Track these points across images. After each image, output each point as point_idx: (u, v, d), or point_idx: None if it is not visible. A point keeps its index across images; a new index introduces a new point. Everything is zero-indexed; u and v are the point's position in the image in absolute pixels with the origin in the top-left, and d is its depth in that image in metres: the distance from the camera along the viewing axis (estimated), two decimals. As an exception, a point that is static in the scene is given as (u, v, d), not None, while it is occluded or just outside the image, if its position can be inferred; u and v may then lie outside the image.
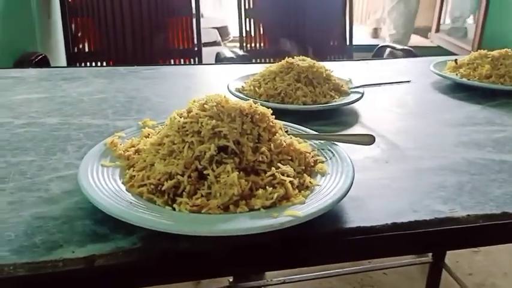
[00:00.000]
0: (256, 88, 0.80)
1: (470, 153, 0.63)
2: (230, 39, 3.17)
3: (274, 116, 0.55)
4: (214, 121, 0.48)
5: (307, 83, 0.80)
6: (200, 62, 1.82)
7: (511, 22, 3.13)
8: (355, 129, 0.72)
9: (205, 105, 0.50)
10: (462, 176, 0.56)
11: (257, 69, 0.88)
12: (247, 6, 1.87)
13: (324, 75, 0.82)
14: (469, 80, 0.91)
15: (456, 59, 0.98)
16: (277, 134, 0.52)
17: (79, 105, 0.78)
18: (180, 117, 0.50)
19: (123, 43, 1.75)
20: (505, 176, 0.56)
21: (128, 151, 0.53)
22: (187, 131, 0.48)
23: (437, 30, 3.42)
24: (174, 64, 1.76)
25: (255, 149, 0.49)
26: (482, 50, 0.96)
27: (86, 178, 0.46)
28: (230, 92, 0.80)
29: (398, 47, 1.74)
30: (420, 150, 0.64)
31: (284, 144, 0.51)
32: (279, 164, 0.48)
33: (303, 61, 0.82)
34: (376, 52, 1.95)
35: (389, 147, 0.65)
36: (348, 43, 2.02)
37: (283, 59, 0.83)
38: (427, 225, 0.46)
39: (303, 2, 1.92)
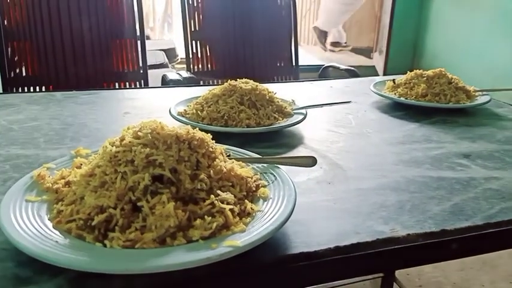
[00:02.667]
0: (199, 112, 0.78)
1: (409, 172, 0.64)
2: (178, 61, 3.14)
3: (214, 141, 0.54)
4: (148, 149, 0.46)
5: (250, 105, 0.80)
6: (146, 85, 1.78)
7: (442, 42, 3.34)
8: (299, 151, 0.72)
9: (139, 133, 0.48)
10: (402, 194, 0.57)
11: (201, 91, 0.87)
12: (193, 29, 1.87)
13: (267, 97, 0.82)
14: (406, 99, 0.94)
15: (394, 79, 1.01)
16: (217, 160, 0.50)
17: (8, 134, 0.73)
18: (113, 146, 0.47)
19: (64, 67, 1.68)
20: (443, 193, 0.58)
21: (57, 183, 0.50)
22: (119, 160, 0.46)
23: (375, 50, 3.59)
24: (119, 88, 1.71)
25: (193, 176, 0.47)
26: (418, 70, 1.00)
27: (7, 216, 0.42)
28: (172, 116, 0.78)
29: (342, 67, 1.80)
30: (362, 170, 0.64)
31: (224, 169, 0.50)
32: (218, 191, 0.46)
33: (245, 83, 0.82)
34: (321, 72, 1.99)
35: (332, 168, 0.65)
36: (294, 64, 2.06)
37: (228, 81, 0.82)
38: (369, 247, 0.46)
39: (249, 24, 1.94)
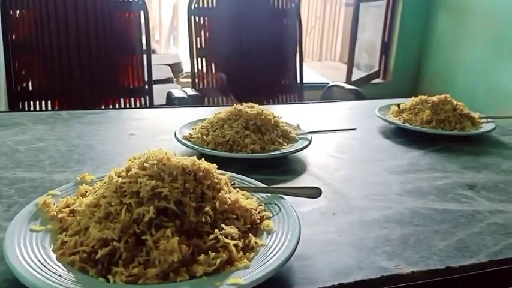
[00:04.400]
0: (204, 136, 0.78)
1: (414, 203, 0.64)
2: (184, 75, 3.16)
3: (218, 166, 0.54)
4: (154, 181, 0.46)
5: (255, 130, 0.80)
6: (151, 101, 1.79)
7: (445, 61, 3.36)
8: (303, 178, 0.72)
9: (145, 164, 0.48)
10: (406, 228, 0.57)
11: (206, 112, 0.87)
12: (199, 46, 1.88)
13: (272, 122, 0.82)
14: (411, 124, 0.94)
15: (399, 104, 1.01)
16: (222, 191, 0.51)
17: (14, 156, 0.73)
18: (118, 177, 0.47)
19: (70, 82, 1.69)
20: (448, 227, 0.57)
21: (61, 212, 0.50)
22: (125, 191, 0.46)
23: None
24: (124, 104, 1.72)
25: (198, 208, 0.47)
26: (423, 96, 1.00)
27: (11, 247, 0.42)
28: (177, 140, 0.78)
29: (347, 86, 1.80)
30: (366, 200, 0.64)
31: (229, 201, 0.50)
32: (223, 225, 0.46)
33: (251, 108, 0.82)
34: (325, 91, 2.00)
35: (336, 197, 0.65)
36: (299, 82, 2.07)
37: (234, 103, 0.83)
38: (373, 285, 0.45)
39: (255, 42, 1.96)
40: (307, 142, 0.80)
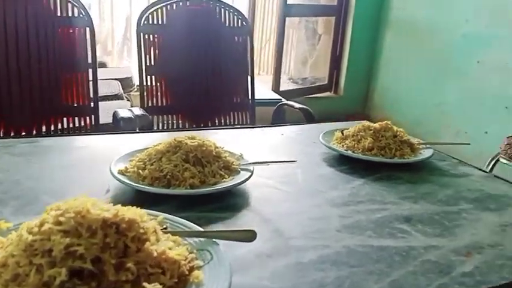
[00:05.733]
0: (140, 170, 0.75)
1: (351, 240, 0.64)
2: (135, 90, 3.08)
3: (152, 213, 0.51)
4: (68, 239, 0.42)
5: (196, 162, 0.77)
6: (96, 120, 1.72)
7: (394, 76, 3.47)
8: (243, 214, 0.70)
9: (60, 218, 0.44)
10: (342, 269, 0.56)
11: (152, 140, 0.83)
12: (148, 63, 1.84)
13: (214, 153, 0.80)
14: (354, 152, 0.95)
15: (342, 130, 1.02)
16: (147, 242, 0.48)
17: None
18: (29, 233, 0.43)
19: (9, 100, 1.60)
20: (382, 266, 0.57)
21: (-34, 271, 0.45)
22: (36, 250, 0.42)
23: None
24: (67, 124, 1.64)
25: (118, 265, 0.44)
26: (365, 122, 1.02)
27: None
28: (112, 175, 0.74)
29: (296, 105, 1.82)
30: (304, 239, 0.63)
31: (155, 254, 0.47)
32: (145, 284, 0.43)
33: (192, 139, 0.80)
34: (276, 109, 2.01)
35: (274, 236, 0.64)
36: (250, 100, 2.06)
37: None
38: None
39: (205, 60, 1.93)
40: (249, 174, 0.79)
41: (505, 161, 1.86)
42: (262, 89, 2.88)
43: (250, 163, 0.83)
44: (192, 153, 0.78)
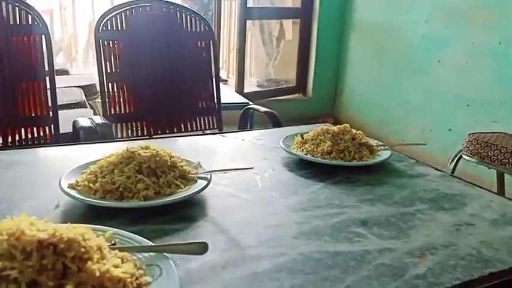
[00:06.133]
0: (91, 184, 0.72)
1: (308, 246, 0.63)
2: (98, 97, 3.02)
3: (102, 228, 0.49)
4: (0, 263, 0.40)
5: (150, 173, 0.75)
6: (56, 129, 1.67)
7: (360, 79, 3.53)
8: (198, 225, 0.68)
9: (-8, 241, 0.42)
10: (297, 277, 0.55)
11: (108, 150, 0.80)
12: (109, 70, 1.80)
13: (169, 163, 0.79)
14: (313, 156, 0.95)
15: (302, 135, 1.02)
16: (89, 262, 0.46)
17: None
18: (-41, 259, 0.41)
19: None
20: (337, 272, 0.57)
21: None
22: (-35, 277, 0.39)
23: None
24: (25, 135, 1.58)
25: (57, 287, 0.42)
26: (324, 126, 1.02)
27: None
28: (61, 189, 0.71)
29: (262, 109, 1.81)
30: (260, 248, 0.62)
31: (97, 273, 0.45)
32: (85, 306, 0.41)
33: (145, 150, 0.78)
34: (243, 113, 2.00)
35: (230, 246, 0.62)
36: (215, 103, 2.04)
37: (126, 148, 0.77)
38: None
39: (169, 66, 1.91)
40: (206, 183, 0.77)
41: (467, 158, 1.91)
42: (231, 93, 2.88)
43: (207, 171, 0.82)
44: (146, 163, 0.76)
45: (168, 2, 1.95)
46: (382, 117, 3.30)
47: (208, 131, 2.04)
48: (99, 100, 3.01)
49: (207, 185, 0.77)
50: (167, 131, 1.89)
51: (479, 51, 2.54)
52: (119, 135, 1.76)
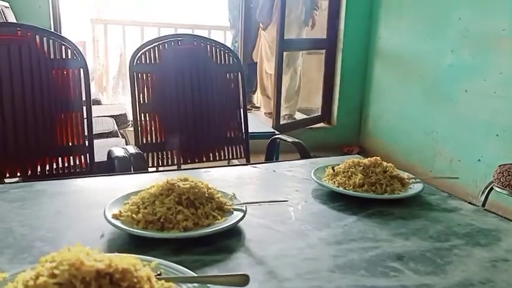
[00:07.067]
0: (134, 214, 0.76)
1: (344, 280, 0.64)
2: (129, 126, 3.11)
3: (145, 258, 0.51)
4: (63, 292, 0.43)
5: (188, 204, 0.78)
6: (91, 158, 1.73)
7: (384, 106, 3.53)
8: (236, 257, 0.70)
9: (55, 270, 0.45)
10: (335, 311, 0.56)
11: (145, 181, 0.84)
12: (141, 101, 1.87)
13: (207, 195, 0.82)
14: (345, 188, 0.96)
15: (333, 167, 1.04)
16: (141, 292, 0.48)
17: None
18: (25, 287, 0.44)
19: (3, 141, 1.61)
20: (375, 307, 0.58)
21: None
22: (31, 304, 0.42)
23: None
24: (62, 163, 1.65)
25: (113, 316, 0.44)
26: (355, 158, 1.03)
27: None
28: (106, 219, 0.75)
29: (289, 139, 1.84)
30: (298, 280, 0.64)
31: (148, 303, 0.47)
32: (138, 335, 0.44)
33: (184, 181, 0.81)
34: (270, 142, 2.03)
35: (268, 279, 0.64)
36: (243, 133, 2.09)
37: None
38: None
39: (199, 97, 1.97)
40: (242, 215, 0.80)
41: (499, 189, 1.88)
42: (257, 120, 2.93)
43: (242, 203, 0.84)
44: (185, 195, 0.79)
45: (198, 35, 2.04)
46: (408, 146, 3.28)
47: (235, 161, 2.08)
48: (130, 129, 3.11)
49: (243, 216, 0.79)
50: (196, 160, 1.93)
51: (507, 80, 2.52)
52: (149, 164, 1.81)
